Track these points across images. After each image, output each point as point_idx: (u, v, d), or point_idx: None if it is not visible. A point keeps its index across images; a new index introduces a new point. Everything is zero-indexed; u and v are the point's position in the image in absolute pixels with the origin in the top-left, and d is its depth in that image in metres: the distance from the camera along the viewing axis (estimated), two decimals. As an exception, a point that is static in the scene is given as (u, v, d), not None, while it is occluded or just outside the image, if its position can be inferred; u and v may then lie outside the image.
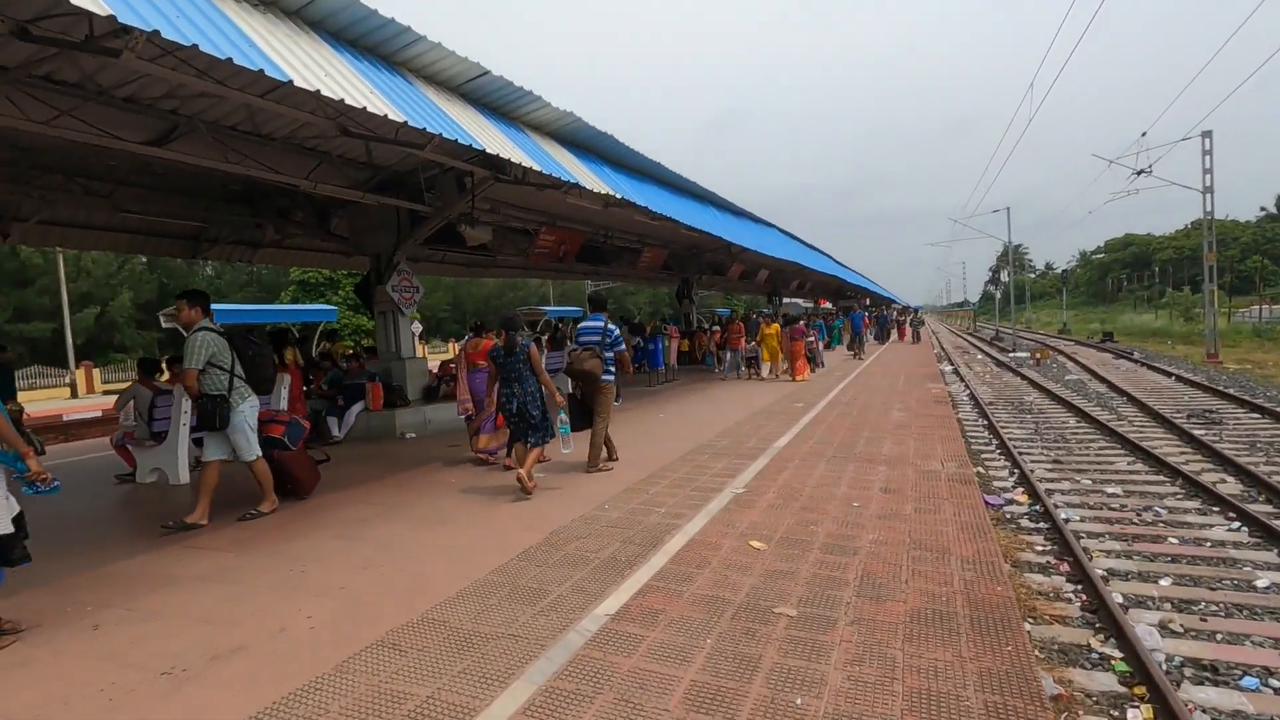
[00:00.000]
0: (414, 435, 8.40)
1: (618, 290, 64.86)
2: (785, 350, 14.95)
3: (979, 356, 28.83)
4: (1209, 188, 21.28)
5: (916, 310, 34.25)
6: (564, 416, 5.83)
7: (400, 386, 9.06)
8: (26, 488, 3.08)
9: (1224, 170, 20.01)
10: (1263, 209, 71.95)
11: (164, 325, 24.29)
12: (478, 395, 6.66)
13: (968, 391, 15.14)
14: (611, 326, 6.35)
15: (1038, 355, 23.39)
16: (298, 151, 7.53)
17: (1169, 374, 17.89)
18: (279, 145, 7.25)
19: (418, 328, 34.02)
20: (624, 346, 6.46)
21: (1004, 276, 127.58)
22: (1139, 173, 19.15)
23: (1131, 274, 75.24)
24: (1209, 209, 21.48)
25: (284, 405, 6.54)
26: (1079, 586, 4.80)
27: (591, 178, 8.18)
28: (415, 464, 6.91)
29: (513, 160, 6.59)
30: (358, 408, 8.59)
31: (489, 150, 6.09)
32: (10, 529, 2.98)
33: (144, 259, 32.94)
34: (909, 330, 33.19)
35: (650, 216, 12.62)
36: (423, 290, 9.75)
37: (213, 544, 4.34)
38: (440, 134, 5.50)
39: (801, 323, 15.96)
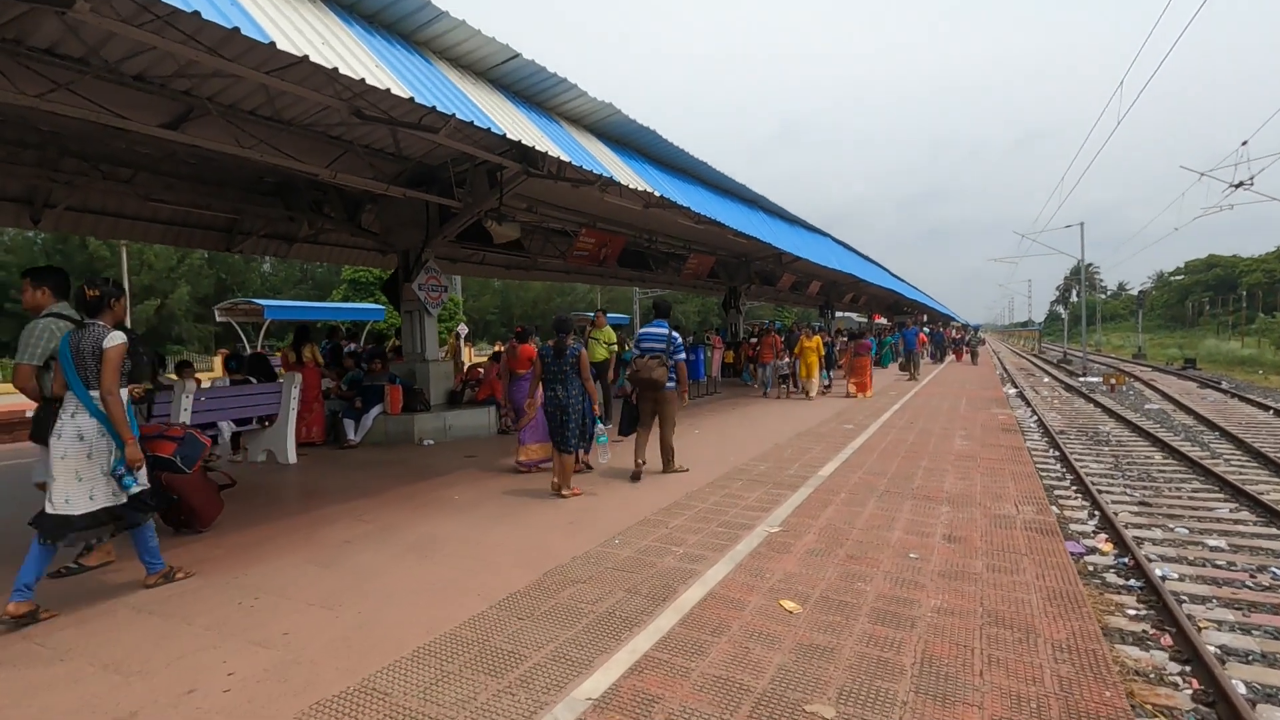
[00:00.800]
0: (432, 442, 7.94)
1: (666, 298, 64.42)
2: (848, 367, 14.72)
3: (1045, 380, 27.02)
4: (1317, 204, 19.29)
5: (976, 329, 32.36)
6: (602, 426, 5.72)
7: (421, 390, 8.62)
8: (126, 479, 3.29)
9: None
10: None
11: (219, 319, 24.89)
12: (517, 404, 6.38)
13: (1035, 417, 13.88)
14: (675, 334, 6.23)
15: (1112, 381, 21.66)
16: (320, 139, 7.18)
17: (1266, 407, 16.13)
18: (298, 131, 6.90)
19: (464, 329, 34.18)
20: (684, 355, 6.29)
21: (1074, 296, 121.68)
22: (1237, 185, 17.41)
23: (1215, 297, 70.27)
24: (1316, 227, 19.45)
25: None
26: (1187, 667, 3.90)
27: (629, 174, 7.59)
28: (425, 475, 6.41)
29: (542, 150, 6.05)
30: (375, 411, 8.18)
31: (510, 135, 5.56)
32: (118, 501, 3.31)
33: (204, 254, 34.17)
34: (966, 351, 31.43)
35: (694, 219, 11.97)
36: (449, 290, 9.32)
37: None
38: (455, 114, 4.98)
39: (868, 339, 15.40)
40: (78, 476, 3.22)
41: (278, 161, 6.37)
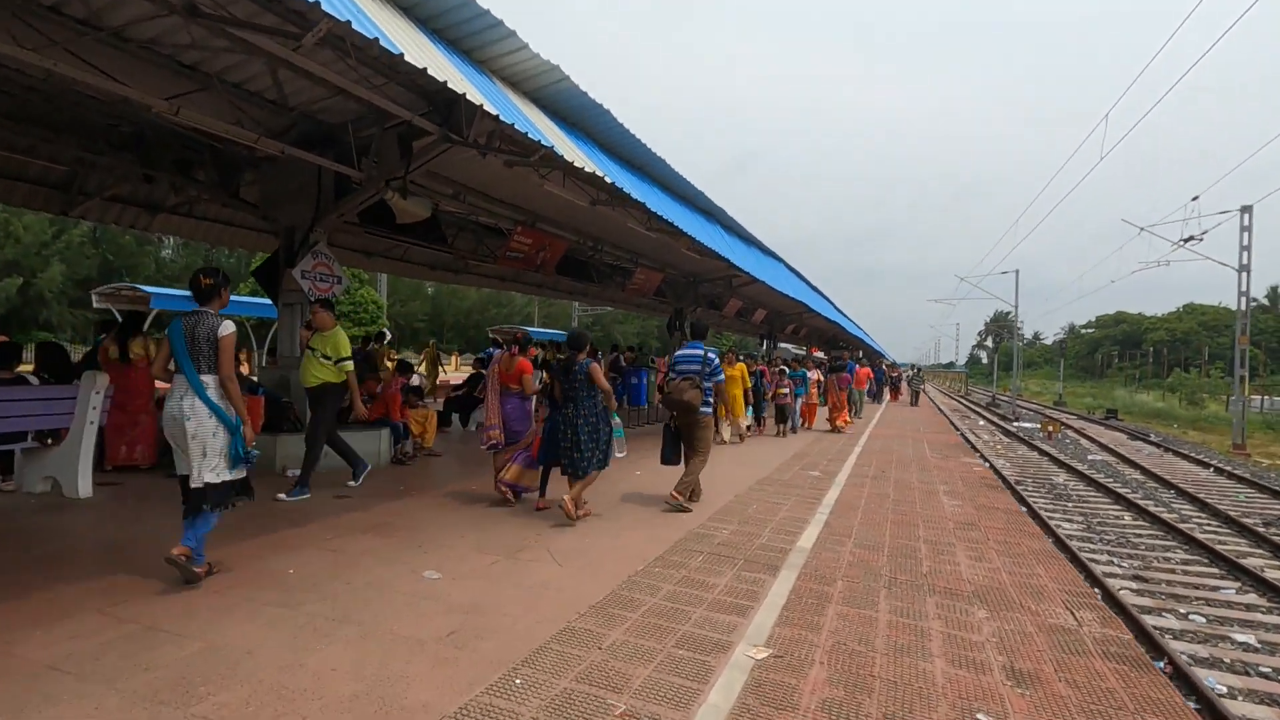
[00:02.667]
0: (296, 472, 6.12)
1: (605, 317, 62.78)
2: (831, 398, 14.53)
3: (981, 423, 26.99)
4: (1245, 266, 19.81)
5: (918, 369, 32.31)
6: (617, 420, 5.54)
7: (293, 405, 6.78)
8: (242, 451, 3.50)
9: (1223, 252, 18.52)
10: (1255, 300, 72.07)
11: (96, 305, 21.73)
12: (511, 424, 5.68)
13: (986, 464, 13.11)
14: (711, 355, 6.02)
15: (1050, 429, 21.55)
16: (166, 67, 5.40)
17: (1205, 464, 16.07)
18: (136, 53, 5.11)
19: (386, 335, 31.63)
20: (723, 376, 6.05)
21: (989, 342, 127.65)
22: (1187, 240, 17.62)
23: (1122, 351, 74.77)
24: (1244, 288, 19.97)
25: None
26: None
27: (575, 152, 6.13)
28: (270, 523, 4.64)
29: (472, 103, 4.53)
30: (225, 428, 6.29)
31: (418, 64, 4.00)
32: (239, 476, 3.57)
33: (90, 230, 30.25)
34: (906, 390, 31.26)
35: (646, 226, 10.60)
36: (346, 283, 7.55)
37: None
38: (330, 16, 3.41)
39: (846, 372, 14.94)
40: (190, 454, 3.39)
41: (86, 79, 4.57)
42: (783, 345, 39.30)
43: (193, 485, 3.42)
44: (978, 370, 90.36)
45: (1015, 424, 26.86)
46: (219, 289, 3.60)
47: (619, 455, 5.62)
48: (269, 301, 7.81)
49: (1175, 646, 5.17)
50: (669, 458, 6.08)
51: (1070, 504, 10.82)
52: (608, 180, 6.31)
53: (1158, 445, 20.69)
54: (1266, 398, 37.74)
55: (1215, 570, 7.53)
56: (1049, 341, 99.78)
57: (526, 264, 11.40)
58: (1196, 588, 6.91)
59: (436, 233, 9.94)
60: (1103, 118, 13.23)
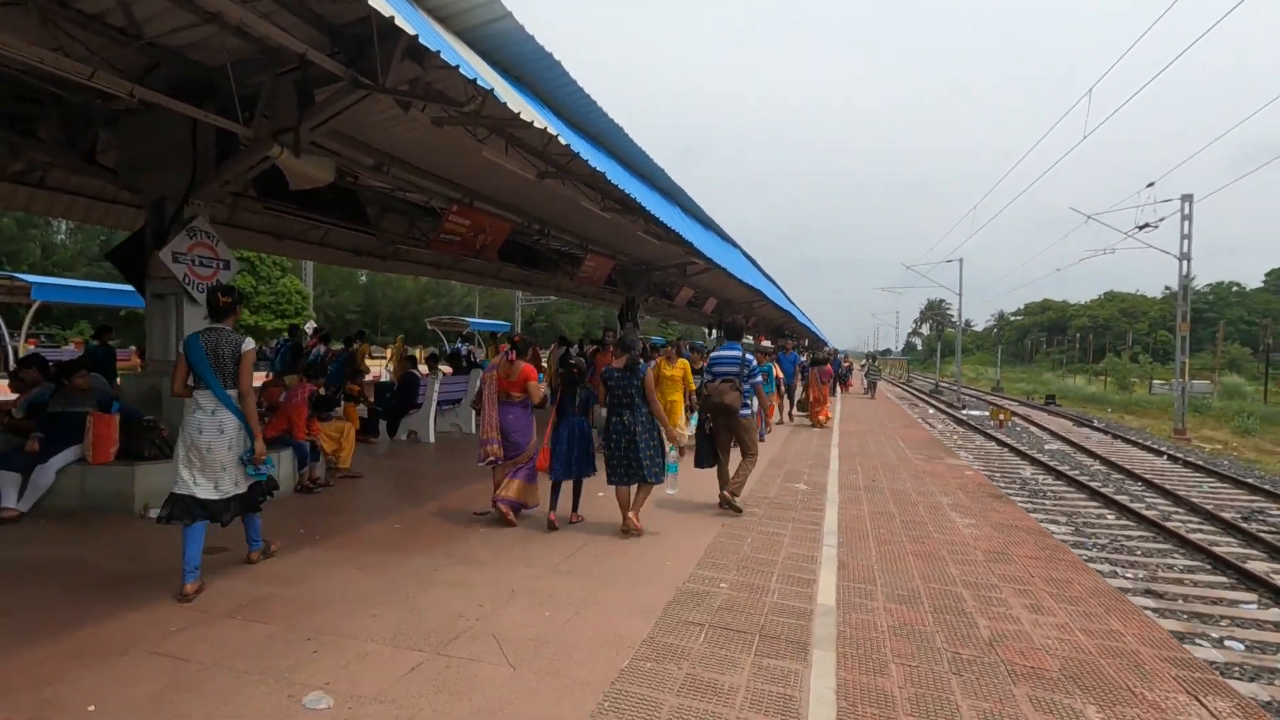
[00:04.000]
0: (163, 515, 4.71)
1: (550, 307, 61.00)
2: (813, 392, 13.79)
3: (931, 412, 27.00)
4: (1186, 254, 20.15)
5: (874, 358, 32.18)
6: (673, 453, 5.33)
7: (156, 423, 5.32)
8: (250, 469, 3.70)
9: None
10: (1167, 288, 76.30)
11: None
12: (513, 437, 5.15)
13: (976, 467, 12.57)
14: (749, 356, 5.98)
15: (1000, 417, 21.53)
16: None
17: (1158, 451, 16.14)
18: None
19: (311, 326, 29.34)
20: (761, 378, 6.13)
21: (924, 329, 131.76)
22: (1142, 227, 17.65)
23: (1049, 337, 78.00)
24: (1185, 275, 20.32)
25: None
26: None
27: (518, 100, 4.89)
28: (71, 616, 3.28)
29: (391, 27, 3.27)
30: (64, 458, 4.82)
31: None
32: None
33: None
34: (855, 381, 31.05)
35: (602, 203, 9.42)
36: (235, 268, 6.11)
37: None
38: None
39: (829, 365, 14.33)
40: (222, 466, 3.61)
41: None
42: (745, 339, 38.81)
43: (223, 495, 3.63)
44: (914, 357, 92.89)
45: (964, 411, 27.00)
46: (235, 306, 3.79)
47: (670, 492, 5.19)
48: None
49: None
50: (705, 461, 5.90)
51: (1049, 502, 10.31)
52: (561, 140, 5.10)
53: (1104, 431, 20.94)
54: (1185, 380, 39.51)
55: (1225, 579, 7.00)
56: (979, 329, 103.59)
57: (464, 249, 10.04)
58: (1215, 602, 6.33)
59: (356, 211, 8.49)
60: (1086, 92, 12.80)
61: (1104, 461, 14.37)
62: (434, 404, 8.84)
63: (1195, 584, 6.83)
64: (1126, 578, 6.97)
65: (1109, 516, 9.52)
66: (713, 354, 6.22)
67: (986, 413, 26.28)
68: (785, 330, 45.40)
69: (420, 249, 12.82)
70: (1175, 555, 7.84)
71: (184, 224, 5.69)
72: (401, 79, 5.03)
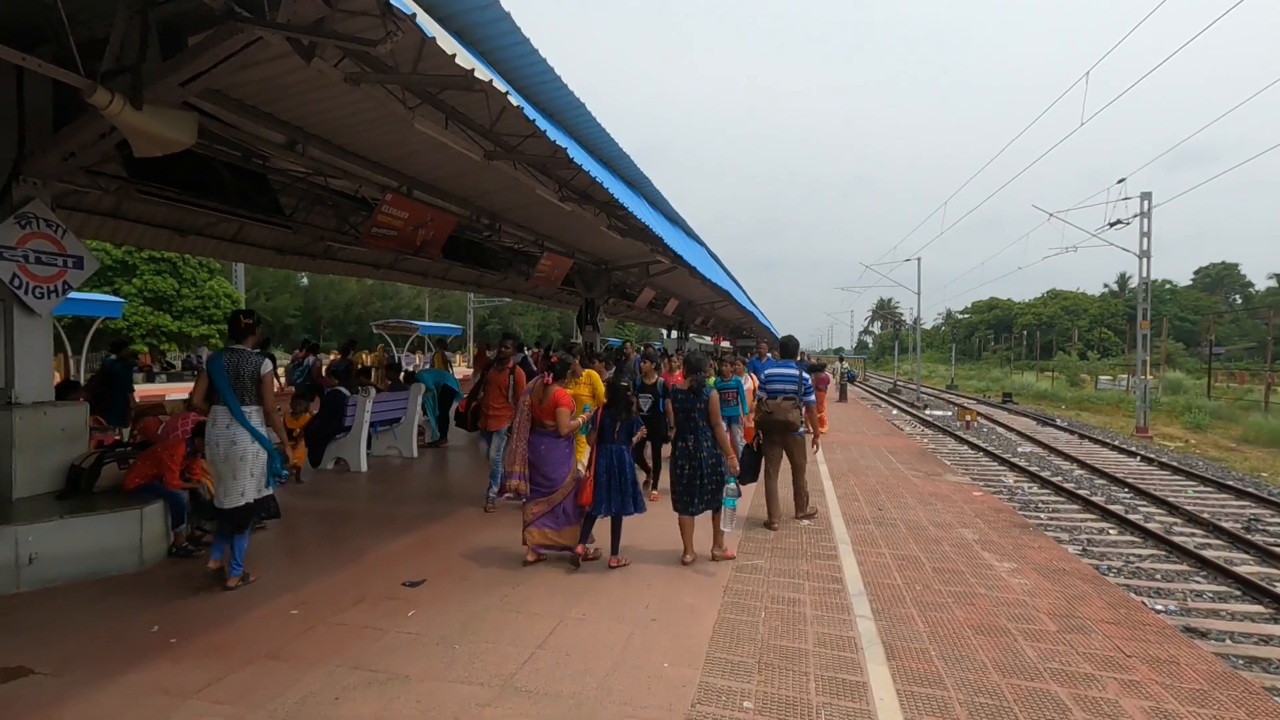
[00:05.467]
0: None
1: (503, 309, 59.09)
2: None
3: (895, 412, 26.64)
4: (1146, 251, 20.14)
5: (842, 358, 31.70)
6: (733, 486, 4.75)
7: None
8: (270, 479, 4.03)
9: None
10: (1105, 285, 79.22)
11: None
12: (544, 470, 4.59)
13: (981, 486, 11.83)
14: (806, 375, 5.86)
15: (968, 418, 21.18)
16: None
17: (1130, 452, 15.88)
18: None
19: (355, 341, 27.08)
20: (814, 397, 5.98)
21: (875, 327, 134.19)
22: (1113, 224, 17.44)
23: (996, 335, 79.96)
24: (1145, 273, 20.32)
25: None
26: None
27: (452, 43, 3.72)
28: None
29: None
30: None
31: None
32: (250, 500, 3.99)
33: None
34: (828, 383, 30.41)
35: (560, 192, 8.27)
36: (93, 265, 4.75)
37: None
38: None
39: (826, 371, 13.31)
40: (233, 476, 3.91)
41: None
42: (690, 336, 37.90)
43: (232, 505, 3.92)
44: (867, 355, 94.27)
45: (927, 412, 26.74)
46: (255, 328, 4.19)
47: (725, 529, 4.76)
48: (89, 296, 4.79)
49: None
50: (749, 477, 5.72)
51: (1045, 515, 9.64)
52: (511, 100, 3.95)
53: (1069, 431, 20.80)
54: (1127, 377, 40.64)
55: (1263, 609, 6.31)
56: (928, 327, 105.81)
57: (402, 245, 8.74)
58: (1268, 640, 5.61)
59: (266, 200, 7.13)
60: (1083, 75, 12.26)
61: (1082, 465, 13.94)
62: (365, 426, 7.52)
63: (1235, 616, 6.13)
64: (1158, 609, 6.24)
65: (1112, 532, 8.88)
66: (767, 371, 6.04)
67: (950, 413, 26.06)
68: (745, 331, 44.93)
69: (355, 246, 11.43)
70: (1198, 579, 7.18)
71: (12, 209, 4.32)
72: (303, 14, 3.80)
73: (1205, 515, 9.58)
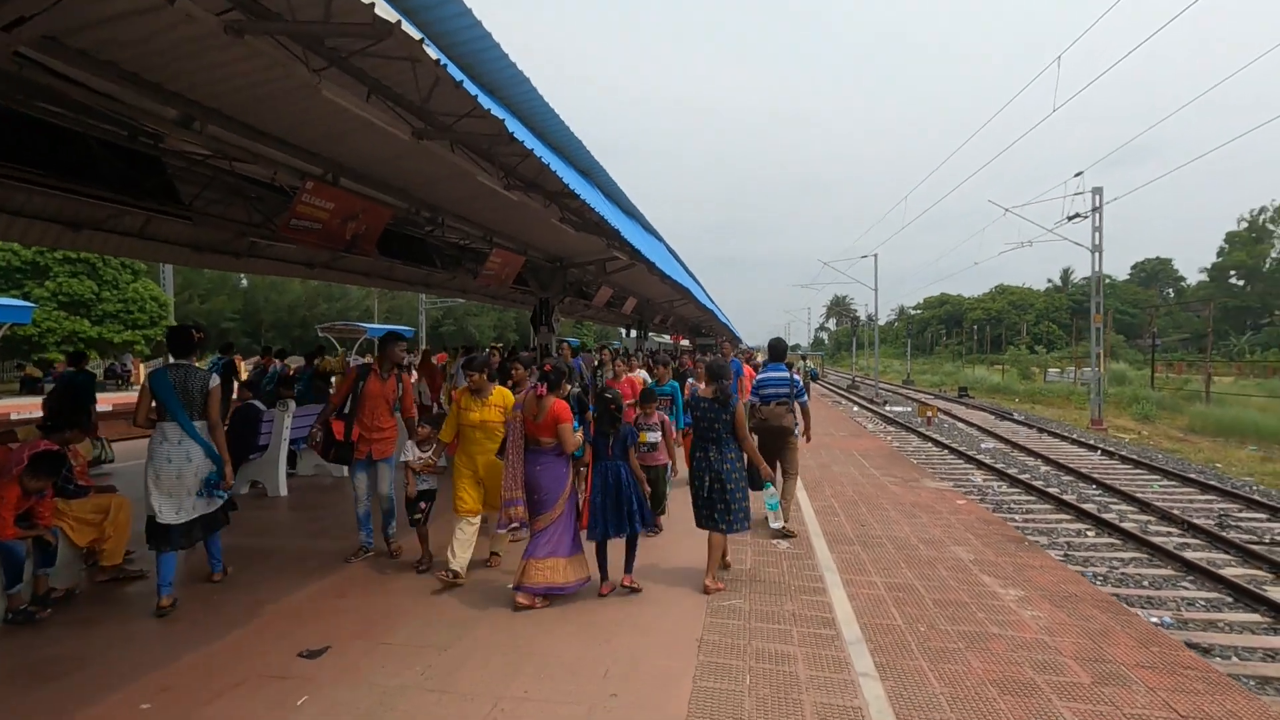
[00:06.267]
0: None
1: (457, 309, 57.46)
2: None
3: (855, 409, 26.54)
4: (1098, 246, 20.35)
5: (804, 356, 31.49)
6: (770, 489, 4.63)
7: None
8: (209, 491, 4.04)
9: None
10: (1049, 281, 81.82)
11: None
12: (541, 492, 4.10)
13: (965, 494, 11.43)
14: (796, 377, 5.84)
15: (929, 414, 21.12)
16: None
17: (1091, 446, 15.91)
18: None
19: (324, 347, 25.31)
20: (807, 398, 5.98)
21: (830, 324, 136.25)
22: (1071, 217, 17.46)
23: (947, 330, 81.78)
24: (1097, 267, 20.54)
25: None
26: None
27: (386, 8, 2.94)
28: None
29: None
30: None
31: None
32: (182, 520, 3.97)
33: None
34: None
35: (505, 179, 7.48)
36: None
37: None
38: None
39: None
40: (188, 491, 3.96)
41: None
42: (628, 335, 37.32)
43: (178, 521, 3.92)
44: (824, 351, 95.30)
45: (887, 408, 26.74)
46: (198, 344, 4.41)
47: (775, 525, 4.68)
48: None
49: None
50: (755, 484, 5.39)
51: (1019, 517, 9.31)
52: (438, 63, 3.19)
53: (1027, 425, 20.93)
54: (1075, 369, 41.78)
55: (1260, 617, 5.98)
56: (882, 323, 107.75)
57: (329, 240, 7.79)
58: (1275, 655, 5.24)
59: (156, 183, 6.15)
60: (1055, 59, 12.00)
61: (1047, 461, 13.82)
62: (284, 444, 6.60)
63: (1230, 626, 5.78)
64: (1154, 620, 5.84)
65: (1090, 534, 8.57)
66: (760, 376, 5.95)
67: (910, 409, 26.09)
68: (704, 329, 44.57)
69: (285, 244, 10.41)
70: (1185, 584, 6.87)
71: None
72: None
73: (1176, 512, 9.41)
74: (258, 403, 6.48)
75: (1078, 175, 16.55)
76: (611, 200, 10.12)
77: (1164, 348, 54.76)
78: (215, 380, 4.12)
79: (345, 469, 4.98)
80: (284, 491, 6.71)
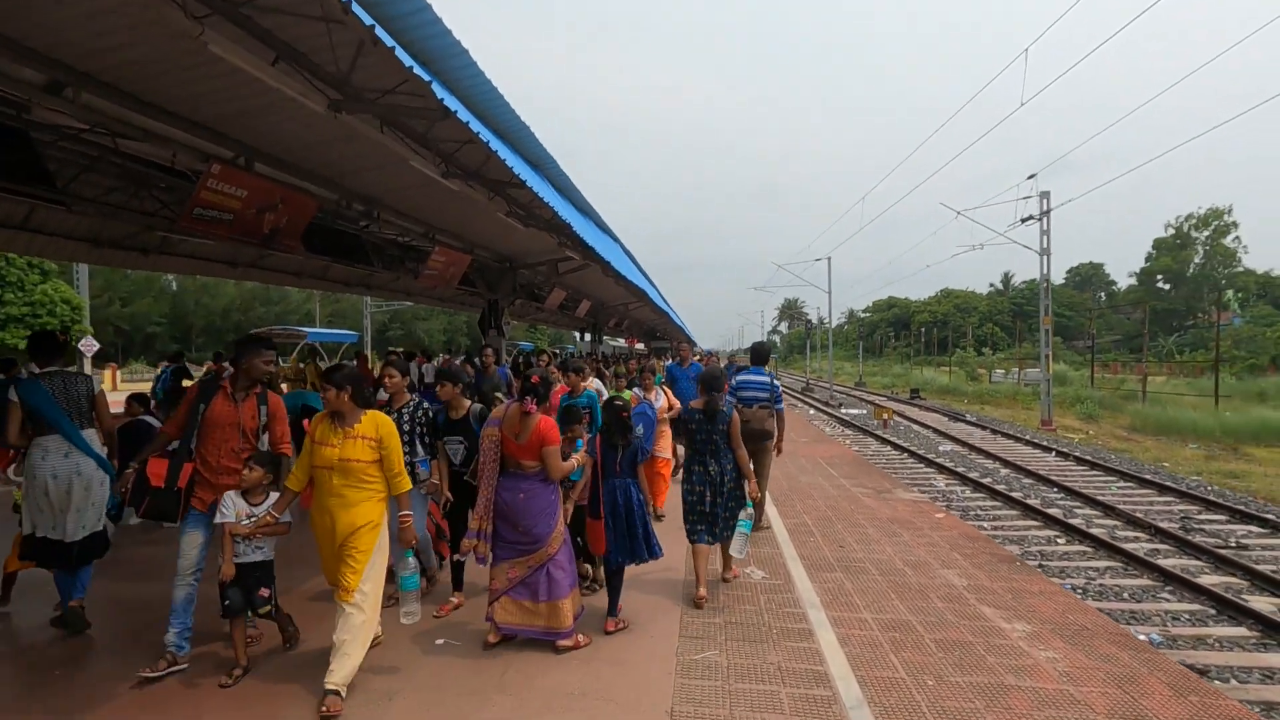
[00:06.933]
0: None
1: (405, 313, 55.55)
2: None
3: (812, 412, 26.45)
4: (1046, 249, 20.68)
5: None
6: (750, 510, 4.47)
7: None
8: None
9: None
10: (991, 284, 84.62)
11: None
12: (526, 522, 3.47)
13: (944, 507, 11.08)
14: (777, 382, 5.78)
15: (885, 417, 21.08)
16: None
17: (1046, 448, 15.99)
18: None
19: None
20: (783, 406, 5.77)
21: (782, 327, 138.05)
22: (1026, 220, 17.60)
23: (895, 332, 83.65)
24: (1045, 269, 20.88)
25: None
26: None
27: None
28: None
29: None
30: None
31: None
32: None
33: None
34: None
35: (444, 165, 6.76)
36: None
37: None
38: None
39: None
40: (77, 509, 3.62)
41: None
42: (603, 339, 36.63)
43: (77, 538, 3.63)
44: (777, 354, 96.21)
45: (843, 410, 26.73)
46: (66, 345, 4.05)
47: (737, 555, 4.49)
48: None
49: None
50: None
51: (988, 524, 9.03)
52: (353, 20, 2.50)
53: (980, 426, 21.08)
54: (1019, 370, 43.00)
55: (1247, 631, 5.72)
56: (831, 325, 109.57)
57: (243, 233, 6.94)
58: (1272, 675, 4.95)
59: (21, 159, 5.20)
60: (1022, 52, 11.85)
61: (1006, 464, 13.73)
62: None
63: (1220, 643, 5.49)
64: (1141, 637, 5.52)
65: (1060, 541, 8.33)
66: (739, 379, 5.81)
67: (865, 411, 26.12)
68: (659, 333, 44.16)
69: (199, 239, 9.39)
70: (1165, 595, 6.61)
71: None
72: None
73: (1140, 515, 9.29)
74: (150, 418, 5.57)
75: (1031, 177, 16.75)
76: (564, 196, 9.46)
77: (1099, 348, 57.17)
78: (99, 384, 3.88)
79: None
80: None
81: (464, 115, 4.89)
